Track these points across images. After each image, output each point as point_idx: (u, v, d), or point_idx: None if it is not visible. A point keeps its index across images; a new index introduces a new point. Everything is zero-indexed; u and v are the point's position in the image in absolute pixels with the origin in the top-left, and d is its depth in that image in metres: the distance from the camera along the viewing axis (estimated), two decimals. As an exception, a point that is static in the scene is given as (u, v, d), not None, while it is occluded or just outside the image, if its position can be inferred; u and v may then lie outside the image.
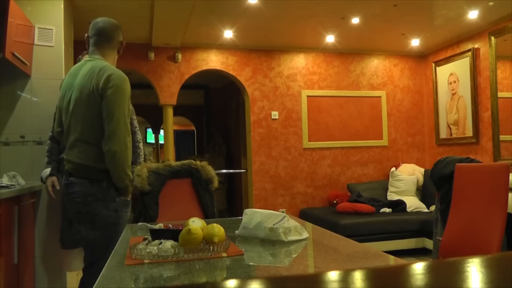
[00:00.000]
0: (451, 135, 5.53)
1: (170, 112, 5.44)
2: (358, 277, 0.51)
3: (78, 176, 2.14)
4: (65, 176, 2.21)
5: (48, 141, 2.76)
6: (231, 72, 5.51)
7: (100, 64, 2.17)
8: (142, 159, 2.85)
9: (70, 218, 2.48)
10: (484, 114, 4.99)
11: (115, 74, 2.13)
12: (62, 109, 2.25)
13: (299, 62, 5.70)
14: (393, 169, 5.61)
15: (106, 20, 2.30)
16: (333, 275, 0.53)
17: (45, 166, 2.70)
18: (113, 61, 2.31)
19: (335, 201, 5.32)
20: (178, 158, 6.89)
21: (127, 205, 2.36)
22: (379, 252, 1.35)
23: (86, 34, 2.31)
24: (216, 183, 2.66)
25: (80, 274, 2.30)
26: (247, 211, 1.62)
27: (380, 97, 5.97)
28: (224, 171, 7.40)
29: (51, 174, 2.61)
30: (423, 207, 5.09)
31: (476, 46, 5.10)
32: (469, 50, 5.15)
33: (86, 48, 2.32)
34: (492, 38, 4.78)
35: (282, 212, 2.01)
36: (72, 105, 2.16)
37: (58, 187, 2.60)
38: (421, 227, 4.57)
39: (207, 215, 2.57)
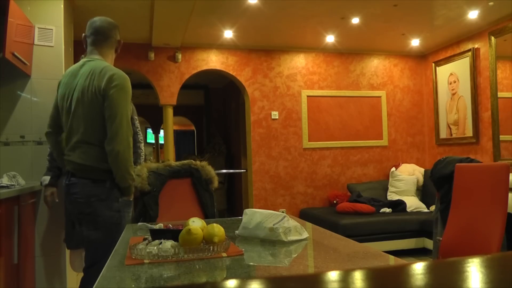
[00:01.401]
0: (451, 135, 5.53)
1: (170, 112, 5.44)
2: (358, 277, 0.51)
3: (81, 176, 2.14)
4: (67, 176, 2.21)
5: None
6: (231, 72, 5.51)
7: (100, 64, 2.17)
8: (143, 160, 2.85)
9: (71, 218, 2.47)
10: (484, 114, 4.99)
11: (117, 74, 2.13)
12: (62, 109, 2.25)
13: (299, 62, 5.70)
14: (393, 169, 5.61)
15: (103, 19, 2.30)
16: (333, 275, 0.53)
17: (45, 172, 2.68)
18: (111, 61, 2.31)
19: (335, 201, 5.32)
20: (178, 158, 6.89)
21: (129, 205, 2.36)
22: (379, 252, 1.35)
23: (83, 34, 2.30)
24: (216, 183, 2.66)
25: (80, 274, 2.30)
26: (247, 211, 1.62)
27: (380, 97, 5.97)
28: (224, 171, 7.40)
29: (50, 184, 2.57)
30: (423, 207, 5.09)
31: (476, 46, 5.10)
32: (469, 50, 5.15)
33: (84, 48, 2.32)
34: (492, 38, 4.78)
35: (282, 212, 2.01)
36: (74, 106, 2.15)
37: (57, 200, 2.58)
38: (421, 227, 4.57)
39: (207, 215, 2.57)
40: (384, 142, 5.95)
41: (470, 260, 0.54)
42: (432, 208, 4.75)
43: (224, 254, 1.29)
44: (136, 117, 2.80)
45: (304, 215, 5.27)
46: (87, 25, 2.29)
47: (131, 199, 2.32)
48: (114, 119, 2.06)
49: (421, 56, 6.11)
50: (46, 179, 2.59)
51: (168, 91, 5.34)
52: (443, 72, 5.65)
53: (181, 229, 1.32)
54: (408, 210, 5.01)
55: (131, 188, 2.21)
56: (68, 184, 2.18)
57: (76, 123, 2.15)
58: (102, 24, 2.27)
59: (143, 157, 2.87)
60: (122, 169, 2.10)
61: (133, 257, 1.25)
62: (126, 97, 2.12)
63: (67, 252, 3.02)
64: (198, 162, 2.68)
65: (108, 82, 2.08)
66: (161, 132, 8.92)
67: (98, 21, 2.28)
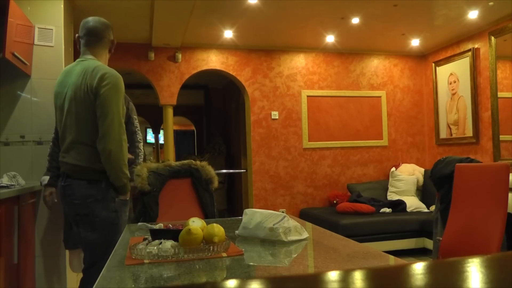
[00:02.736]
0: (451, 135, 5.53)
1: (170, 112, 5.44)
2: (358, 277, 0.51)
3: (76, 177, 2.13)
4: (62, 178, 2.20)
5: (51, 144, 2.74)
6: (231, 72, 5.51)
7: (93, 64, 2.16)
8: (142, 159, 2.84)
9: (69, 220, 2.46)
10: (484, 114, 4.99)
11: (109, 73, 2.12)
12: (56, 108, 2.25)
13: (299, 62, 5.70)
14: (393, 169, 5.61)
15: (96, 20, 2.29)
16: (333, 275, 0.53)
17: (45, 172, 2.67)
18: (105, 61, 2.30)
19: (335, 201, 5.32)
20: (178, 158, 6.89)
21: (126, 204, 2.35)
22: (379, 252, 1.35)
23: (76, 35, 2.30)
24: (216, 183, 2.66)
25: (80, 274, 2.30)
26: (247, 211, 1.62)
27: (380, 97, 5.97)
28: (224, 171, 7.40)
29: (49, 184, 2.56)
30: (423, 207, 5.09)
31: (476, 46, 5.10)
32: (469, 50, 5.15)
33: (78, 49, 2.31)
34: (492, 38, 4.78)
35: (282, 212, 2.01)
36: (67, 104, 2.15)
37: (56, 200, 2.56)
38: (421, 227, 4.57)
39: (207, 215, 2.56)
40: (384, 142, 5.95)
41: (470, 260, 0.54)
42: (432, 208, 4.75)
43: (224, 254, 1.29)
44: (135, 116, 2.80)
45: (304, 215, 5.27)
46: (80, 25, 2.29)
47: (127, 198, 2.31)
48: (105, 118, 2.06)
49: (421, 56, 6.11)
50: (46, 179, 2.59)
51: (168, 91, 5.34)
52: (443, 72, 5.65)
53: (181, 229, 1.32)
54: (408, 210, 5.01)
55: (127, 187, 2.20)
56: (63, 185, 2.17)
57: (69, 121, 2.15)
58: (95, 25, 2.26)
59: (142, 157, 2.86)
60: (116, 168, 2.09)
61: (133, 257, 1.25)
62: (118, 95, 2.11)
63: (67, 252, 3.02)
64: (198, 162, 2.67)
65: (100, 81, 2.08)
66: (161, 132, 8.91)
67: (91, 21, 2.27)
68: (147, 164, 2.61)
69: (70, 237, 2.74)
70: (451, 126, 5.52)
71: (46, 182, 2.56)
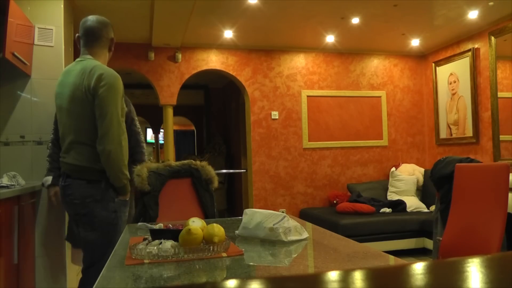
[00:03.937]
0: (451, 135, 5.52)
1: (170, 112, 5.44)
2: (358, 277, 0.51)
3: (76, 177, 2.13)
4: (63, 178, 2.20)
5: (50, 144, 2.74)
6: (231, 72, 5.51)
7: (91, 63, 2.16)
8: (146, 157, 2.86)
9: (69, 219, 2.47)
10: (484, 114, 4.99)
11: (107, 73, 2.12)
12: (57, 108, 2.26)
13: (299, 62, 5.70)
14: (393, 169, 5.61)
15: (94, 19, 2.27)
16: (333, 275, 0.53)
17: (46, 173, 2.67)
18: (104, 60, 2.29)
19: (335, 201, 5.32)
20: (178, 158, 6.90)
21: (126, 205, 2.36)
22: (379, 252, 1.35)
23: (77, 34, 2.29)
24: (216, 183, 2.66)
25: (80, 274, 2.30)
26: (247, 211, 1.62)
27: (380, 97, 5.96)
28: (224, 171, 7.40)
29: (53, 184, 2.57)
30: (423, 207, 5.09)
31: (476, 46, 5.10)
32: (469, 50, 5.15)
33: (79, 48, 2.31)
34: (492, 38, 4.78)
35: (282, 212, 2.01)
36: (67, 104, 2.16)
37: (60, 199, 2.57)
38: (421, 227, 4.57)
39: (207, 215, 2.56)
40: (384, 142, 5.95)
41: (470, 260, 0.54)
42: (432, 208, 4.75)
43: (224, 254, 1.29)
44: (136, 118, 2.80)
45: (304, 215, 5.27)
46: (79, 24, 2.28)
47: (127, 199, 2.31)
48: (104, 118, 2.05)
49: (421, 56, 6.11)
50: (48, 179, 2.60)
51: (168, 91, 5.34)
52: (443, 72, 5.65)
53: (181, 229, 1.32)
54: (408, 210, 5.01)
55: (127, 188, 2.20)
56: (63, 185, 2.17)
57: (69, 121, 2.15)
58: (92, 25, 2.24)
59: (146, 155, 2.87)
60: (115, 168, 2.09)
61: (133, 257, 1.25)
62: (115, 96, 2.10)
63: (67, 252, 3.02)
64: (198, 162, 2.67)
65: (97, 81, 2.07)
66: (161, 132, 8.91)
67: (89, 21, 2.26)
68: (147, 164, 2.61)
69: (72, 235, 2.74)
70: (451, 126, 5.52)
71: (49, 182, 2.57)
